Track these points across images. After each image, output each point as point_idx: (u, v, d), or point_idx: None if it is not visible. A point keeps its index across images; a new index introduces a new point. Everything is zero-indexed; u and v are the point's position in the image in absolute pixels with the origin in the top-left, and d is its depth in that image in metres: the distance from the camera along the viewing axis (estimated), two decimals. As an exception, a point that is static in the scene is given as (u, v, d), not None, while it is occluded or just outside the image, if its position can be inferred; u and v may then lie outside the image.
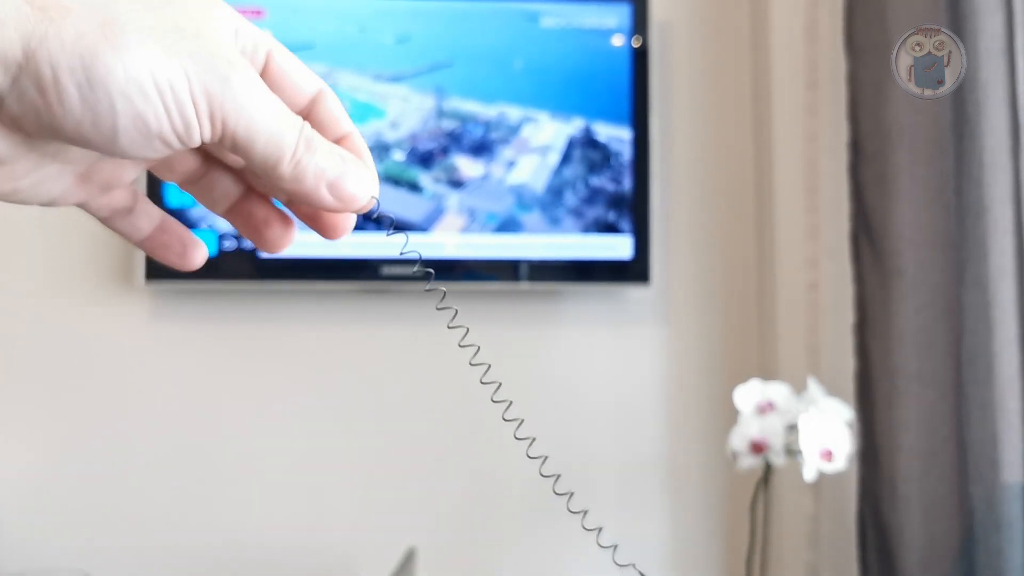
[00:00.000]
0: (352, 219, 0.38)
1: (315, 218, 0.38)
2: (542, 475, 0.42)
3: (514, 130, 1.63)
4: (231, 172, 0.39)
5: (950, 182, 1.32)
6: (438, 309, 0.41)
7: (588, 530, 0.42)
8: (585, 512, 0.42)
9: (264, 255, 1.58)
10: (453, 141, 1.63)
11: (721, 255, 1.74)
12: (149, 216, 0.39)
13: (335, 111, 0.37)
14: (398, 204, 1.61)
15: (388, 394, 1.66)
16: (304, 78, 0.36)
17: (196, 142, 0.32)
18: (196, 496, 1.63)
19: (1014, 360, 1.26)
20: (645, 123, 1.63)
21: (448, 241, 1.61)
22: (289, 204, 0.39)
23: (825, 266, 1.59)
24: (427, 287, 0.40)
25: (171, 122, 0.31)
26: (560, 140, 1.63)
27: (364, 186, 0.36)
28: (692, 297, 1.72)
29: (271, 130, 0.33)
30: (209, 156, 0.38)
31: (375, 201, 0.36)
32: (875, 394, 1.41)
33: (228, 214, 0.39)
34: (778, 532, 1.60)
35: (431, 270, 0.41)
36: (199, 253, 0.39)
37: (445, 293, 0.42)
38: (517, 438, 0.42)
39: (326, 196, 0.35)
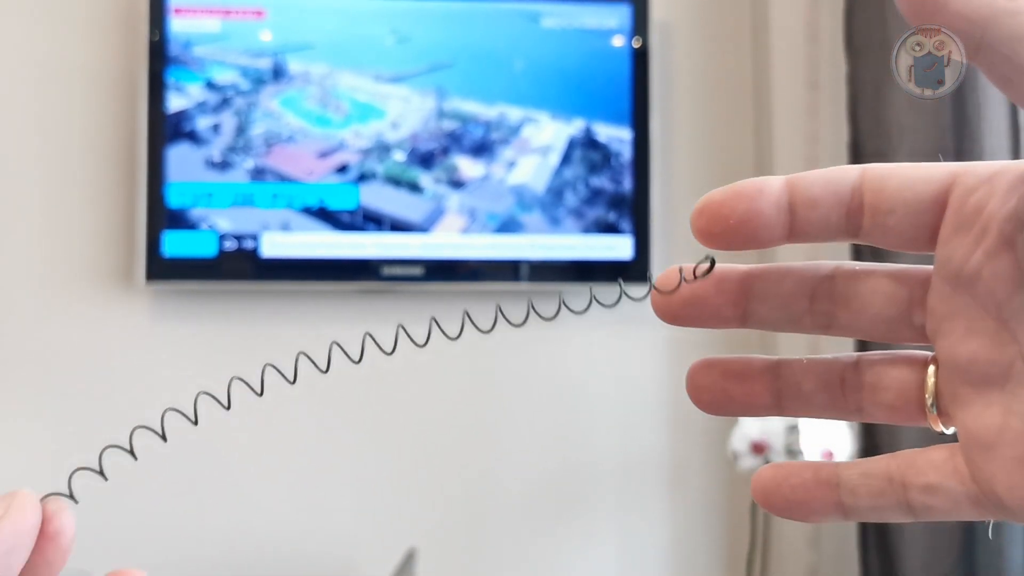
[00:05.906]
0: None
1: None
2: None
3: (514, 130, 1.63)
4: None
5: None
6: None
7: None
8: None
9: (265, 255, 1.58)
10: (454, 141, 1.63)
11: (721, 255, 1.74)
12: None
13: None
14: (398, 204, 1.61)
15: (388, 394, 1.66)
16: None
17: None
18: (196, 496, 1.63)
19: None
20: (645, 123, 1.63)
21: (448, 241, 1.61)
22: None
23: (825, 266, 1.59)
24: None
25: None
26: (560, 140, 1.63)
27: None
28: (692, 297, 1.72)
29: None
30: None
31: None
32: (875, 394, 1.40)
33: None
34: (778, 532, 1.60)
35: None
36: None
37: None
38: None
39: None
